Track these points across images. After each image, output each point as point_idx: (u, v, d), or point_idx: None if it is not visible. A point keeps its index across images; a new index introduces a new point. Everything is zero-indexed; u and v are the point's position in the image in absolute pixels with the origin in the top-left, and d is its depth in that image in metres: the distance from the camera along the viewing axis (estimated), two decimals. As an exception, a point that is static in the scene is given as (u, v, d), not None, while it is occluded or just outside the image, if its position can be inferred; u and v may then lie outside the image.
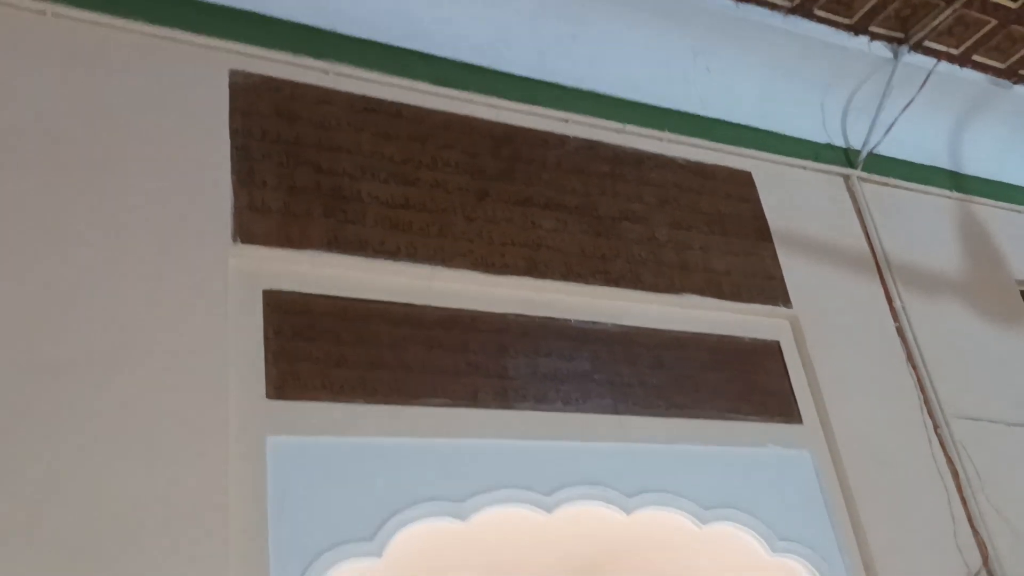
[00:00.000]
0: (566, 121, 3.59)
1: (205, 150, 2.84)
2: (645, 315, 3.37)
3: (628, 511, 2.96)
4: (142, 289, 2.53)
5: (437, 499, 2.66)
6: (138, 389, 2.40)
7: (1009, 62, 4.45)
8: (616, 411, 3.12)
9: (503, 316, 3.09)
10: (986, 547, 3.49)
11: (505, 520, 2.80)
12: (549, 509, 2.83)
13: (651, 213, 3.59)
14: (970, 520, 3.56)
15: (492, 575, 3.09)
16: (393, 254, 2.96)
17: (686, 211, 3.68)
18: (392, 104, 3.24)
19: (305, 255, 2.83)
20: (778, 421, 3.43)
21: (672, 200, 3.68)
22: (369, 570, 2.55)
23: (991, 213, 4.65)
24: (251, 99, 3.00)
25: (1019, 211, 4.79)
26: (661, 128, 3.80)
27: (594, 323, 3.26)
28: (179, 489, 2.32)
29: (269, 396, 2.59)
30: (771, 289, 3.69)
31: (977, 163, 4.74)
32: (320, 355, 2.73)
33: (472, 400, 2.89)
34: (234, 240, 2.73)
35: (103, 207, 2.60)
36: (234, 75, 3.00)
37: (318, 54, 3.18)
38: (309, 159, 3.01)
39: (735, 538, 3.13)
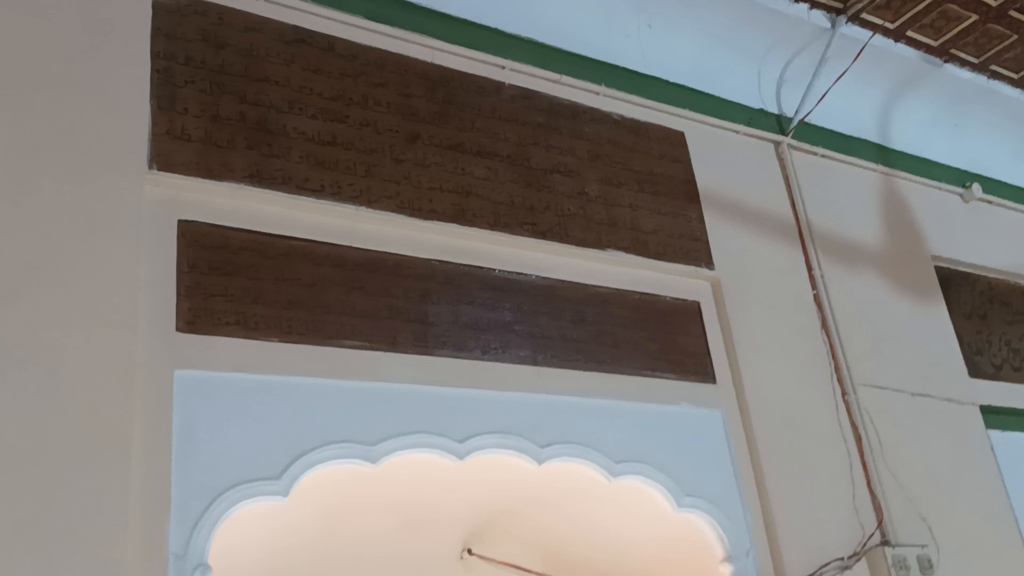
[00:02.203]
0: (503, 68, 3.53)
1: (124, 72, 2.72)
2: (570, 269, 3.37)
3: (540, 461, 2.98)
4: (50, 212, 2.43)
5: (348, 441, 2.65)
6: (42, 316, 2.31)
7: (941, 40, 4.52)
8: (535, 363, 3.13)
9: (427, 262, 3.06)
10: (881, 510, 3.62)
11: (416, 465, 2.80)
12: (461, 456, 2.84)
13: (583, 168, 3.57)
14: (869, 484, 3.68)
15: (401, 519, 3.09)
16: (317, 192, 2.90)
17: (618, 168, 3.68)
18: (324, 37, 3.15)
19: (225, 187, 2.75)
20: (693, 380, 3.48)
21: (605, 156, 3.67)
22: (275, 510, 2.53)
23: (913, 188, 4.75)
24: (175, 21, 2.88)
25: (940, 188, 4.91)
26: (598, 82, 3.77)
27: (519, 274, 3.25)
28: (81, 419, 2.26)
29: (180, 329, 2.53)
30: (695, 251, 3.72)
31: (903, 138, 4.83)
32: (236, 291, 2.67)
33: (391, 344, 2.86)
34: (150, 167, 2.64)
35: (12, 125, 2.47)
36: (158, -7, 2.87)
37: (249, -22, 3.06)
38: (234, 88, 2.91)
39: (643, 492, 3.19)
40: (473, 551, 3.33)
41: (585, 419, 3.13)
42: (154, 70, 2.77)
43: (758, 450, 3.46)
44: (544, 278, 3.29)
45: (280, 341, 2.67)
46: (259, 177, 2.82)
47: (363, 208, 2.96)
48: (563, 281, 3.33)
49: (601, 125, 3.72)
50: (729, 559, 3.22)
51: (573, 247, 3.39)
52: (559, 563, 3.32)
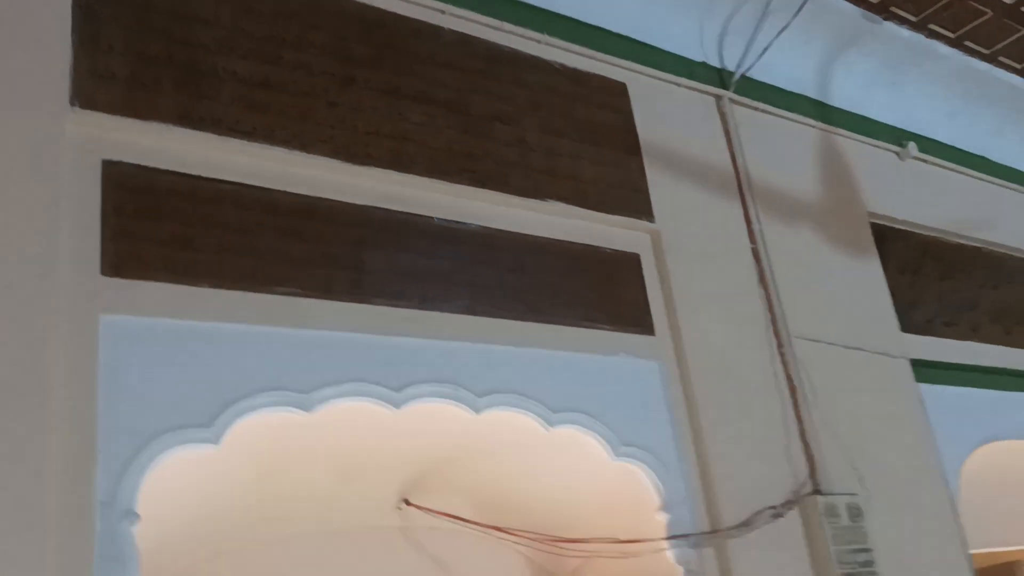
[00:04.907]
0: (442, 12, 3.45)
1: (42, 5, 2.59)
2: (509, 218, 3.34)
3: (477, 411, 2.97)
4: (-36, 150, 2.33)
5: (281, 389, 2.60)
6: (-45, 257, 2.22)
7: (881, -3, 4.55)
8: (473, 312, 3.10)
9: (363, 208, 3.00)
10: (813, 459, 3.69)
11: (352, 414, 2.76)
12: (397, 405, 2.81)
13: (523, 116, 3.53)
14: (802, 434, 3.74)
15: (337, 469, 3.06)
16: (248, 134, 2.82)
17: (558, 117, 3.64)
18: (256, -24, 3.04)
19: (152, 127, 2.65)
20: (631, 332, 3.49)
21: (545, 104, 3.62)
22: (207, 458, 2.48)
23: (851, 146, 4.80)
24: (98, -47, 2.75)
25: (877, 146, 4.97)
26: (540, 30, 3.71)
27: (457, 222, 3.21)
28: (-2, 364, 2.18)
29: (105, 273, 2.45)
30: (636, 202, 3.71)
31: (842, 95, 4.86)
32: (164, 235, 2.59)
33: (325, 291, 2.81)
34: (72, 105, 2.53)
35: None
36: (79, -76, 2.74)
37: (176, -89, 2.94)
38: (161, 27, 2.80)
39: (580, 442, 3.19)
40: (410, 501, 3.31)
41: (523, 369, 3.12)
42: (75, 5, 2.65)
43: (695, 400, 3.48)
44: (483, 227, 3.26)
45: (210, 287, 2.60)
46: (187, 118, 2.72)
47: (296, 152, 2.89)
48: (502, 230, 3.30)
49: (542, 73, 3.67)
50: (665, 507, 3.25)
51: (512, 196, 3.35)
52: (497, 512, 3.32)
